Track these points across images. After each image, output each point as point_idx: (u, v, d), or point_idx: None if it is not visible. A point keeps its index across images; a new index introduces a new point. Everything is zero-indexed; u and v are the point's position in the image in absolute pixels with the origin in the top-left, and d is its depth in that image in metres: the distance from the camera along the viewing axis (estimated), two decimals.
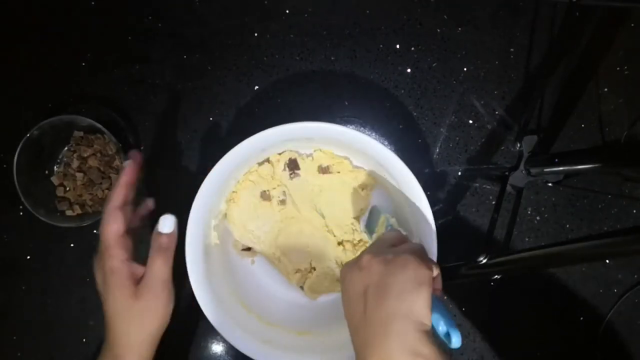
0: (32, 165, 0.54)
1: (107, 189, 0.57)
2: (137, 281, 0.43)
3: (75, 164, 0.57)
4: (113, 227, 0.42)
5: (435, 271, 0.39)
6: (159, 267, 0.43)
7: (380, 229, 0.50)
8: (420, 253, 0.40)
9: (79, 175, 0.57)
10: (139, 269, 0.43)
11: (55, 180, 0.57)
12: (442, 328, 0.38)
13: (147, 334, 0.43)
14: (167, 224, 0.45)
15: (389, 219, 0.50)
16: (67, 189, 0.57)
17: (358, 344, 0.38)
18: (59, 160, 0.58)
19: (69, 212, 0.56)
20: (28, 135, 0.52)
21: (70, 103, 0.60)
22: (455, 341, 0.37)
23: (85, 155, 0.57)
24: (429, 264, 0.38)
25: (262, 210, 0.56)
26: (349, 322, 0.40)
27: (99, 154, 0.57)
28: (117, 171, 0.56)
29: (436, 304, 0.38)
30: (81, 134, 0.58)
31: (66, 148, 0.58)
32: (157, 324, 0.44)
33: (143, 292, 0.42)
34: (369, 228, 0.54)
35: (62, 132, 0.57)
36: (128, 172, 0.44)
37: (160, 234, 0.44)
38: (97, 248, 0.43)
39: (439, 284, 0.40)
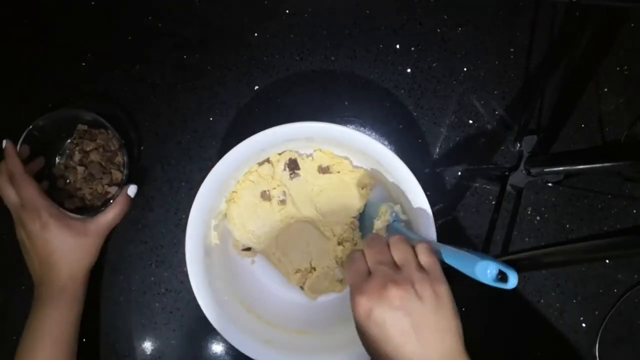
0: (34, 154, 0.54)
1: (107, 184, 0.56)
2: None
3: (77, 157, 0.57)
4: (35, 186, 0.49)
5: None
6: (114, 215, 0.53)
7: (383, 218, 0.50)
8: (436, 268, 0.40)
9: (80, 168, 0.56)
10: (67, 212, 0.52)
11: (56, 171, 0.57)
12: (490, 272, 0.37)
13: (87, 267, 0.52)
14: (134, 191, 0.54)
15: (392, 207, 0.50)
16: (68, 181, 0.57)
17: None
18: (61, 152, 0.58)
19: (68, 204, 0.56)
20: (31, 125, 0.53)
21: (70, 103, 0.60)
22: (512, 280, 0.36)
23: (88, 149, 0.57)
24: (448, 287, 0.39)
25: (262, 210, 0.56)
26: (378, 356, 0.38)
27: (101, 149, 0.57)
28: (119, 167, 0.57)
29: (477, 253, 0.38)
30: (85, 127, 0.58)
31: (69, 140, 0.58)
32: (93, 260, 0.52)
33: (91, 230, 0.51)
34: (365, 225, 0.53)
35: (66, 125, 0.57)
36: (10, 147, 0.51)
37: (127, 194, 0.54)
38: (18, 211, 0.50)
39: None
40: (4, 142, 0.51)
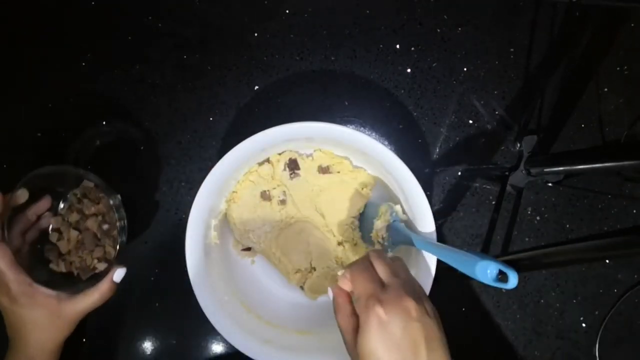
0: (36, 197, 0.50)
1: (97, 258, 0.51)
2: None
3: (74, 217, 0.52)
4: (8, 256, 0.45)
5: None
6: (93, 302, 0.49)
7: (383, 218, 0.50)
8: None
9: (74, 233, 0.51)
10: (40, 288, 0.47)
11: (54, 222, 0.52)
12: (490, 272, 0.36)
13: (59, 342, 0.48)
14: (121, 276, 0.50)
15: (392, 207, 0.50)
16: (60, 239, 0.52)
17: None
18: (64, 200, 0.53)
19: (52, 266, 0.51)
20: (35, 172, 0.47)
21: (70, 103, 0.60)
22: (512, 280, 0.36)
23: (87, 212, 0.52)
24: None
25: (262, 210, 0.56)
26: None
27: (100, 217, 0.52)
28: (114, 243, 0.51)
29: (477, 253, 0.37)
30: (92, 185, 0.52)
31: (73, 192, 0.53)
32: (66, 335, 0.49)
33: (66, 313, 0.47)
34: (365, 225, 0.53)
35: (72, 178, 0.52)
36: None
37: (112, 280, 0.50)
38: None
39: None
40: None
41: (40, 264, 0.50)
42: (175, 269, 0.59)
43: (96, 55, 0.60)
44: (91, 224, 0.52)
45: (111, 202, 0.51)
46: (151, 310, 0.58)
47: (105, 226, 0.52)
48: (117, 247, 0.50)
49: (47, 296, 0.47)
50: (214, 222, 0.52)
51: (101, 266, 0.51)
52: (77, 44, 0.60)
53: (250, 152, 0.49)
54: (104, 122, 0.60)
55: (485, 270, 0.37)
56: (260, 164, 0.55)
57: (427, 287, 0.47)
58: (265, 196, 0.56)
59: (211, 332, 0.58)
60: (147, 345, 0.58)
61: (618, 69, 0.62)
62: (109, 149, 0.59)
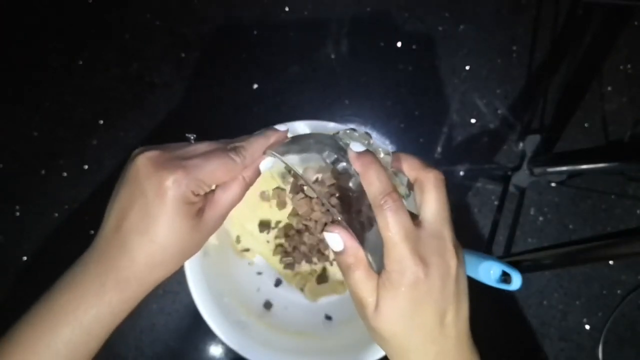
0: None
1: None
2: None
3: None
4: (222, 173, 0.32)
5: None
6: (234, 195, 0.33)
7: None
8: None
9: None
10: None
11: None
12: (494, 273, 0.36)
13: (163, 277, 0.32)
14: (267, 166, 0.35)
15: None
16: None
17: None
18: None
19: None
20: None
21: (67, 102, 0.59)
22: (516, 281, 0.35)
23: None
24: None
25: (261, 211, 0.55)
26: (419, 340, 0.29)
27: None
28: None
29: (480, 254, 0.37)
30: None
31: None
32: (173, 270, 0.32)
33: (206, 224, 0.31)
34: None
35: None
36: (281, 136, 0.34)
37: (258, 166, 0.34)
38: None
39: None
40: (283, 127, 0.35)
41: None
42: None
43: (93, 54, 0.60)
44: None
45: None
46: (150, 311, 0.58)
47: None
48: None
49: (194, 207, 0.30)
50: None
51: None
52: (74, 42, 0.60)
53: None
54: (101, 121, 0.59)
55: (488, 271, 0.36)
56: None
57: None
58: (265, 196, 0.55)
59: (209, 334, 0.58)
60: (145, 347, 0.58)
61: (621, 67, 0.61)
62: (106, 147, 0.58)
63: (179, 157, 0.31)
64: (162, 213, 0.29)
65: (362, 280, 0.28)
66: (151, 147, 0.31)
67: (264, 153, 0.34)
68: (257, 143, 0.34)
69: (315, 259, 0.56)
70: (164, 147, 0.31)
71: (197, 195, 0.30)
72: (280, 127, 0.35)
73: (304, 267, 0.56)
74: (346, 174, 0.31)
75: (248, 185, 0.34)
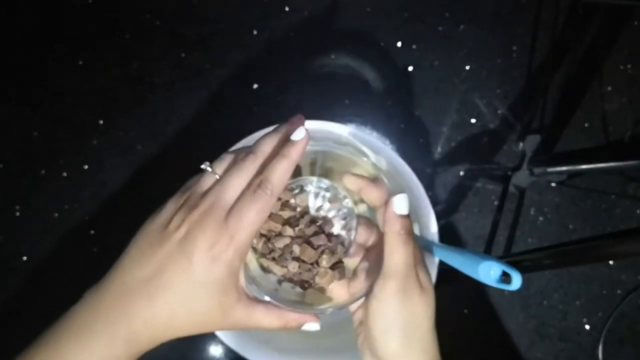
0: None
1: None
2: None
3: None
4: (262, 214, 0.28)
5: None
6: (271, 323, 0.31)
7: None
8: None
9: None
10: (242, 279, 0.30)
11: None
12: (494, 273, 0.36)
13: (171, 337, 0.30)
14: (313, 327, 0.33)
15: None
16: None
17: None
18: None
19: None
20: None
21: (67, 102, 0.59)
22: (516, 281, 0.35)
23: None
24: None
25: None
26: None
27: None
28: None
29: (479, 254, 0.37)
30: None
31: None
32: (183, 335, 0.30)
33: (234, 317, 0.29)
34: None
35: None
36: (302, 147, 0.30)
37: (305, 321, 0.33)
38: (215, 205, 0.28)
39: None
40: (302, 132, 0.30)
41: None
42: None
43: (94, 54, 0.60)
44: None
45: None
46: None
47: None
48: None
49: (237, 286, 0.28)
50: None
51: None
52: (75, 43, 0.60)
53: None
54: (101, 121, 0.59)
55: (488, 271, 0.36)
56: None
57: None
58: None
59: (209, 334, 0.58)
60: None
61: (622, 67, 0.61)
62: (106, 147, 0.58)
63: (219, 218, 0.28)
64: (206, 284, 0.27)
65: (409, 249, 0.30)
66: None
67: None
68: (280, 167, 0.29)
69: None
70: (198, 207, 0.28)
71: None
72: (298, 133, 0.30)
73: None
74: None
75: (282, 326, 0.32)
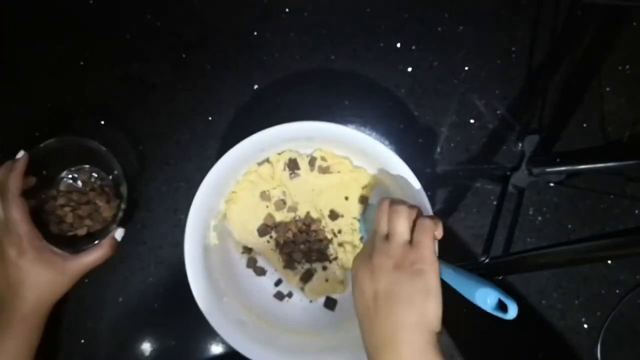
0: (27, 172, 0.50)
1: (98, 221, 0.54)
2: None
3: (69, 218, 0.54)
4: (25, 210, 0.46)
5: (439, 224, 0.41)
6: (96, 258, 0.50)
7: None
8: (417, 232, 0.41)
9: (75, 196, 0.55)
10: (47, 244, 0.48)
11: (46, 196, 0.54)
12: (490, 300, 0.36)
13: (53, 302, 0.49)
14: (121, 234, 0.52)
15: None
16: (62, 204, 0.54)
17: (369, 347, 0.39)
18: (57, 180, 0.56)
19: (52, 228, 0.53)
20: (42, 144, 0.51)
21: (68, 102, 0.59)
22: (512, 311, 0.36)
23: (82, 214, 0.54)
24: (433, 257, 0.39)
25: (261, 211, 0.55)
26: (360, 322, 0.40)
27: (95, 212, 0.55)
28: (114, 207, 0.54)
29: (479, 279, 0.37)
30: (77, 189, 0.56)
31: (66, 172, 0.56)
32: (60, 296, 0.49)
33: (69, 269, 0.48)
34: (365, 227, 0.53)
35: (70, 152, 0.54)
36: (22, 164, 0.48)
37: (114, 237, 0.52)
38: None
39: (440, 233, 0.42)
40: (20, 154, 0.48)
41: (40, 225, 0.50)
42: (174, 269, 0.58)
43: (95, 55, 0.60)
44: (92, 195, 0.55)
45: (115, 172, 0.53)
46: (150, 311, 0.58)
47: (107, 190, 0.56)
48: (118, 209, 0.52)
49: (53, 253, 0.48)
50: (213, 223, 0.52)
51: (97, 226, 0.54)
52: (76, 43, 0.60)
53: (249, 151, 0.49)
54: (103, 122, 0.59)
55: (485, 298, 0.37)
56: (260, 164, 0.55)
57: None
58: (265, 196, 0.55)
59: (211, 333, 0.58)
60: (146, 347, 0.58)
61: (620, 68, 0.61)
62: (107, 148, 0.58)
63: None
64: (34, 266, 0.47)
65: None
66: None
67: None
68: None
69: (314, 258, 0.56)
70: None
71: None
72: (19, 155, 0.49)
73: (304, 266, 0.56)
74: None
75: (107, 253, 0.52)
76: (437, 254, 0.40)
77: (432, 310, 0.37)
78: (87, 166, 0.57)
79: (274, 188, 0.55)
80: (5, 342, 0.45)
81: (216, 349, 0.58)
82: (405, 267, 0.38)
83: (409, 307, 0.37)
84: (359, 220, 0.56)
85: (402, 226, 0.41)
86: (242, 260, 0.57)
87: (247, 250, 0.57)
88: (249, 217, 0.55)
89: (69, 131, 0.59)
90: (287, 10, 0.60)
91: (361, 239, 0.55)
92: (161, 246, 0.59)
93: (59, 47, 0.60)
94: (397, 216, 0.41)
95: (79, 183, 0.57)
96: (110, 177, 0.56)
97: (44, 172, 0.54)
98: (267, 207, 0.56)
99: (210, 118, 0.60)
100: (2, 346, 0.45)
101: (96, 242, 0.51)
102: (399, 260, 0.39)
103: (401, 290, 0.37)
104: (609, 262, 0.60)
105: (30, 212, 0.48)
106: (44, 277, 0.47)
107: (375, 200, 0.56)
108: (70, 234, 0.53)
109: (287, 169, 0.55)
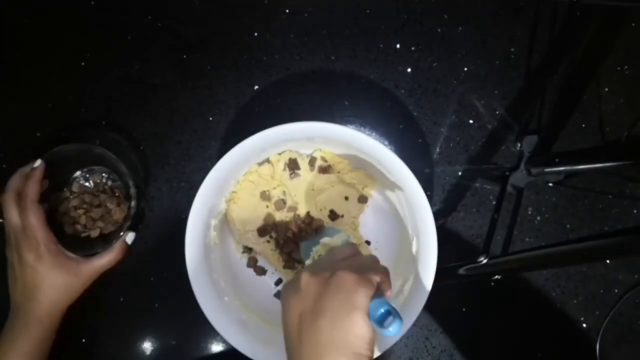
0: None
1: (110, 223, 0.56)
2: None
3: (83, 220, 0.56)
4: (41, 216, 0.48)
5: (380, 278, 0.37)
6: (109, 261, 0.53)
7: (336, 240, 0.48)
8: (362, 266, 0.37)
9: (87, 198, 0.56)
10: (62, 249, 0.50)
11: (60, 197, 0.56)
12: (380, 312, 0.34)
13: (67, 305, 0.51)
14: (132, 238, 0.55)
15: (348, 237, 0.48)
16: (75, 206, 0.56)
17: None
18: (70, 182, 0.57)
19: (66, 228, 0.55)
20: (56, 148, 0.52)
21: (69, 103, 0.60)
22: (395, 326, 0.33)
23: (95, 217, 0.56)
24: (368, 278, 0.35)
25: (262, 211, 0.56)
26: (286, 349, 0.37)
27: (107, 214, 0.56)
28: (125, 208, 0.56)
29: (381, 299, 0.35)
30: (90, 190, 0.57)
31: (79, 173, 0.58)
32: (75, 298, 0.52)
33: (83, 273, 0.51)
34: (306, 251, 0.51)
35: (82, 156, 0.56)
36: (40, 173, 0.50)
37: (125, 241, 0.54)
38: (17, 234, 0.48)
39: (387, 287, 0.38)
40: (38, 162, 0.50)
41: (54, 226, 0.52)
42: (175, 269, 0.58)
43: (96, 55, 0.60)
44: (103, 198, 0.56)
45: (125, 176, 0.54)
46: (151, 311, 0.58)
47: (117, 193, 0.57)
48: (129, 211, 0.54)
49: (68, 257, 0.50)
50: (213, 222, 0.52)
51: (109, 228, 0.56)
52: (76, 44, 0.60)
53: (250, 151, 0.49)
54: (104, 122, 0.60)
55: (375, 309, 0.34)
56: (260, 164, 0.55)
57: (422, 299, 0.47)
58: (265, 196, 0.55)
59: (211, 333, 0.58)
60: (147, 346, 0.58)
61: (619, 68, 0.62)
62: (108, 148, 0.59)
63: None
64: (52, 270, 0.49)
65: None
66: None
67: None
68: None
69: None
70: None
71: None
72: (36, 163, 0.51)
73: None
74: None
75: (118, 256, 0.54)
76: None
77: (356, 329, 0.33)
78: (97, 167, 0.58)
79: (274, 188, 0.56)
80: (21, 343, 0.48)
81: (216, 348, 0.59)
82: (332, 279, 0.35)
83: (332, 325, 0.33)
84: (359, 222, 0.56)
85: (342, 248, 0.43)
86: (243, 260, 0.57)
87: (248, 250, 0.57)
88: (249, 217, 0.55)
89: (69, 131, 0.59)
90: (287, 11, 0.60)
91: (299, 253, 0.54)
92: (162, 246, 0.59)
93: (59, 48, 0.60)
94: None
95: (91, 183, 0.58)
96: (119, 181, 0.58)
97: (57, 174, 0.54)
98: (267, 207, 0.56)
99: (210, 118, 0.60)
100: (17, 347, 0.47)
101: (109, 245, 0.53)
102: (327, 271, 0.36)
103: (326, 306, 0.34)
104: (608, 261, 0.61)
105: (45, 215, 0.49)
106: (59, 280, 0.49)
107: (375, 201, 0.56)
108: (84, 235, 0.55)
109: (287, 169, 0.55)
